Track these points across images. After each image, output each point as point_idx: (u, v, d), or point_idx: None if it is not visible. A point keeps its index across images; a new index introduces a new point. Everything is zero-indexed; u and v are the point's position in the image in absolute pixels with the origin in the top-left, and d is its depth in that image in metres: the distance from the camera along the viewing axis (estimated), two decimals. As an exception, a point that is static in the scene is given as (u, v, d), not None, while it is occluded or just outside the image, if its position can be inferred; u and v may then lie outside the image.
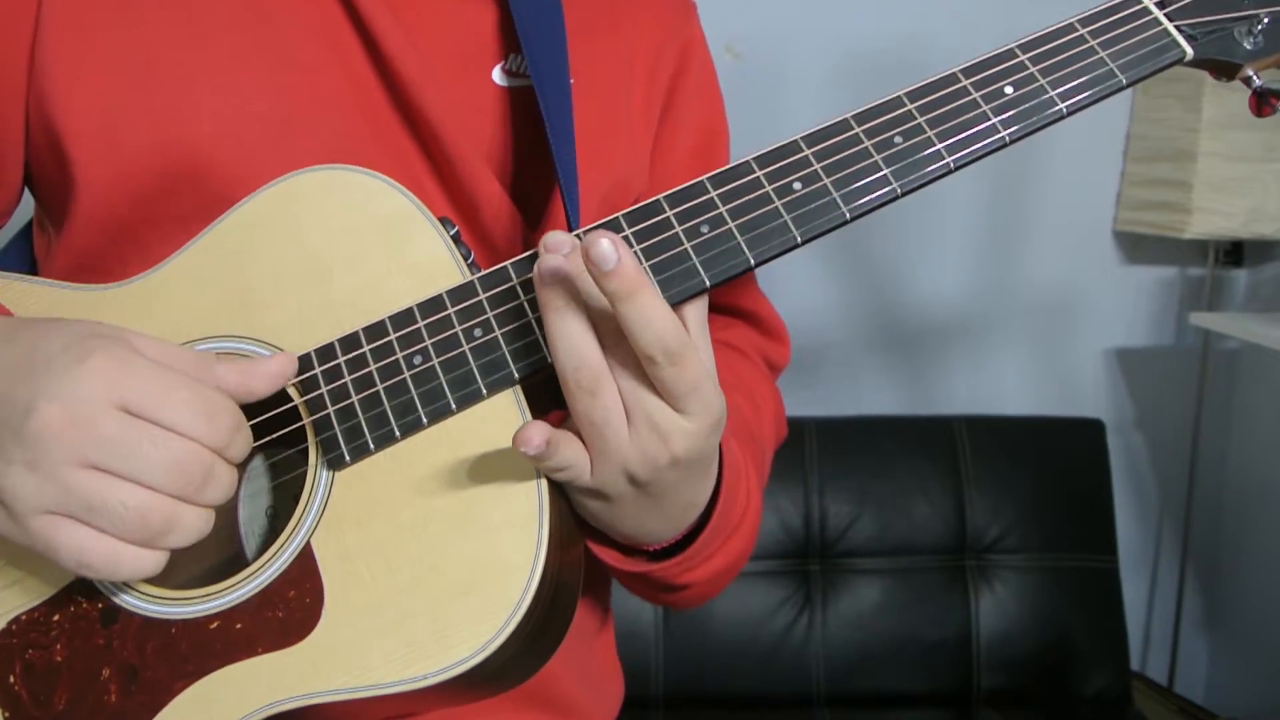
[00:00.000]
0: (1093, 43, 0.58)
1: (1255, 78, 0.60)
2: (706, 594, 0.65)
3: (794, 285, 1.86)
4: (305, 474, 0.56)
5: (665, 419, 0.52)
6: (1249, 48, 0.59)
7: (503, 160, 0.67)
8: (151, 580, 0.54)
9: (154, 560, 0.50)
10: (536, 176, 0.67)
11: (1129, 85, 0.58)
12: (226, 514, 0.59)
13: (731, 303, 0.80)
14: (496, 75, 0.67)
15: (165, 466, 0.48)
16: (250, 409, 0.54)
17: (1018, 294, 1.93)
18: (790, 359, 0.85)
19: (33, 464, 0.47)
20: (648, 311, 0.48)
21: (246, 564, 0.56)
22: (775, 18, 1.77)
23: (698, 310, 0.54)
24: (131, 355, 0.49)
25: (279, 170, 0.58)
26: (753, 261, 0.54)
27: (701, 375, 0.51)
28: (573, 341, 0.50)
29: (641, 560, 0.61)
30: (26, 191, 0.66)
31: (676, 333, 0.49)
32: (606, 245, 0.47)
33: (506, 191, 0.65)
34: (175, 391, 0.49)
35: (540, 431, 0.49)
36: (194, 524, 0.50)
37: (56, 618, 0.54)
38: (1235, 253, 1.93)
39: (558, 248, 0.49)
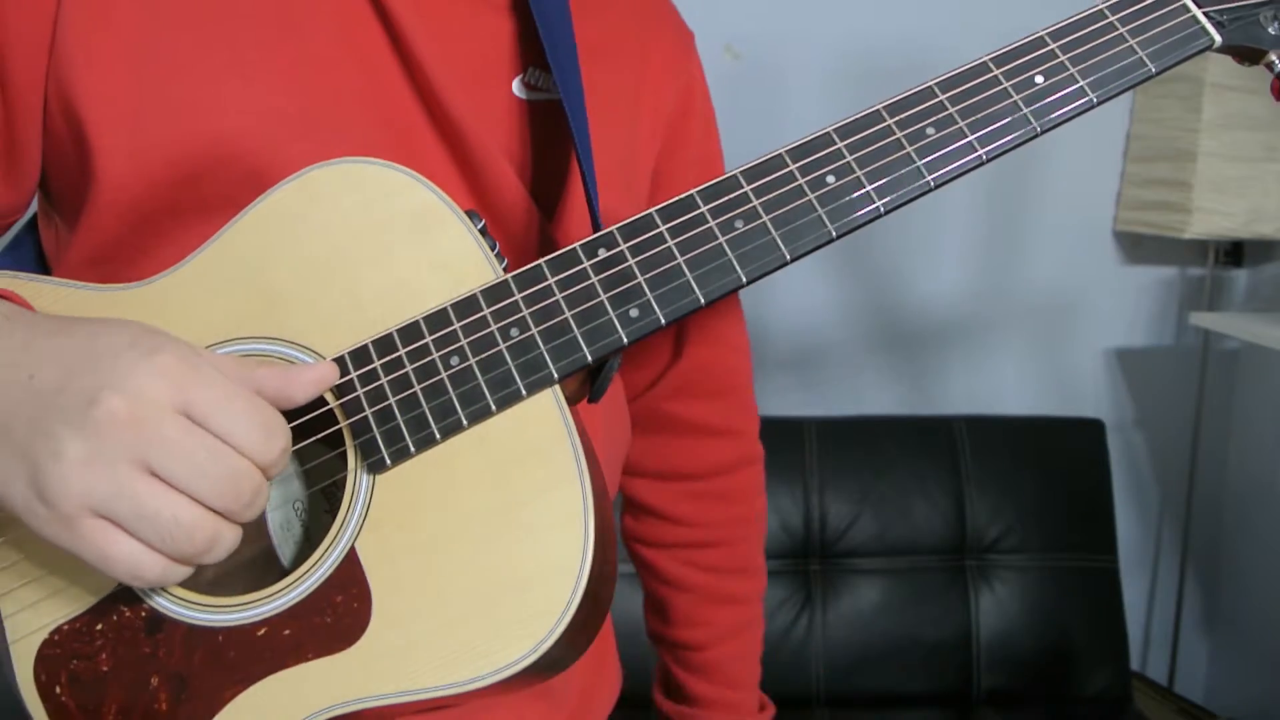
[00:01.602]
0: (1122, 30, 0.57)
1: (1278, 62, 0.60)
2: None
3: (794, 285, 1.86)
4: (344, 478, 0.55)
5: None
6: (1274, 33, 0.59)
7: (522, 170, 0.67)
8: (185, 584, 0.54)
9: (185, 574, 0.49)
10: (553, 188, 0.68)
11: (1158, 74, 0.57)
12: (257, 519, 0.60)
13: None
14: (516, 87, 0.67)
15: (220, 482, 0.47)
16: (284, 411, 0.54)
17: (1017, 294, 1.93)
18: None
19: (89, 457, 0.45)
20: None
21: (278, 564, 0.56)
22: (775, 18, 1.77)
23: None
24: (198, 359, 0.49)
25: (303, 162, 0.57)
26: (788, 257, 0.55)
27: None
28: None
29: None
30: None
31: None
32: None
33: (529, 198, 0.66)
34: (236, 402, 0.48)
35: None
36: (230, 542, 0.49)
37: (100, 627, 0.54)
38: (1235, 253, 1.93)
39: None
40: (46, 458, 0.46)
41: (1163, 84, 1.76)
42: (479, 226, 0.57)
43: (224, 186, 0.59)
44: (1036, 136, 0.57)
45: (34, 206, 0.69)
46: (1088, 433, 1.76)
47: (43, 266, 0.68)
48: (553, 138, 0.67)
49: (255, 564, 0.56)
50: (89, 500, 0.46)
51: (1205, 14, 0.58)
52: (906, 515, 1.69)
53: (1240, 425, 2.00)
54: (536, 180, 0.67)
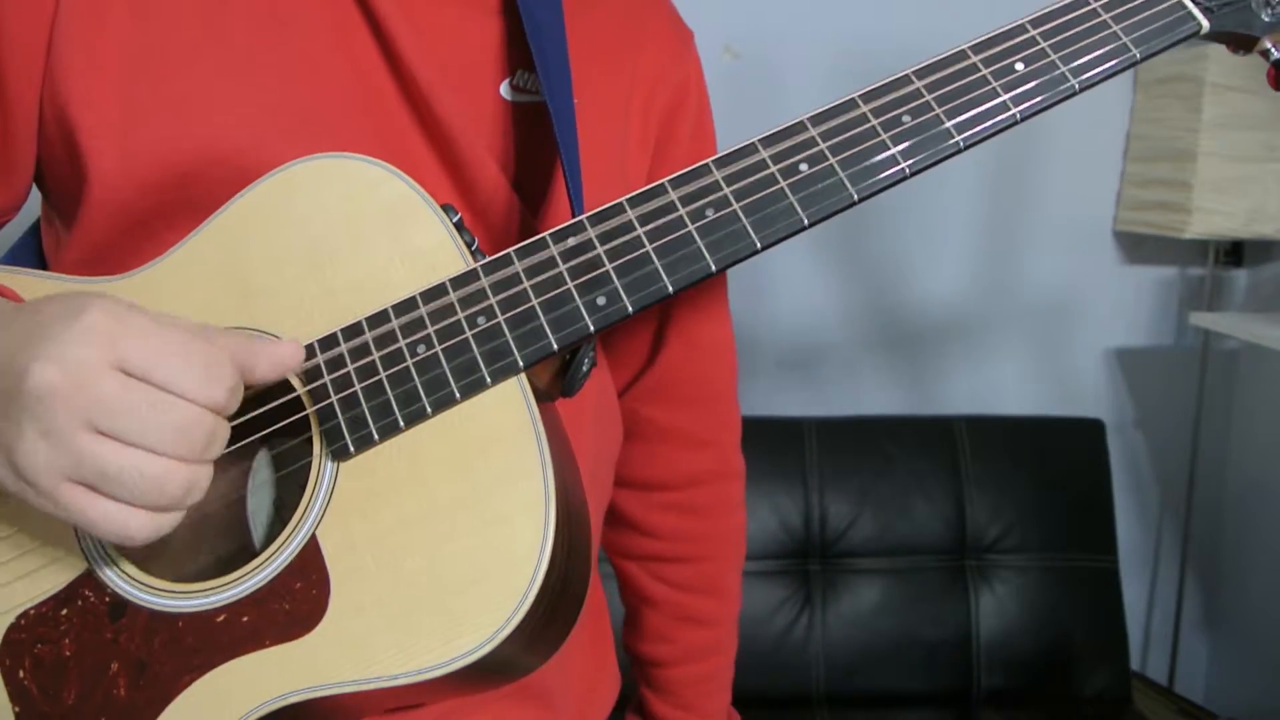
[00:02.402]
0: (1105, 16, 0.56)
1: (1274, 50, 0.58)
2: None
3: (794, 285, 1.86)
4: (310, 465, 0.55)
5: None
6: (1267, 19, 0.57)
7: (510, 172, 0.67)
8: (159, 572, 0.54)
9: (175, 519, 0.49)
10: (541, 189, 0.68)
11: (1143, 59, 0.56)
12: (235, 506, 0.59)
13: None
14: (504, 90, 0.67)
15: (169, 432, 0.47)
16: (255, 399, 0.54)
17: (1018, 294, 1.93)
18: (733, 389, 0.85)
19: (43, 431, 0.46)
20: None
21: (256, 555, 0.56)
22: (774, 18, 1.77)
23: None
24: (126, 313, 0.48)
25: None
26: (759, 245, 0.54)
27: None
28: None
29: None
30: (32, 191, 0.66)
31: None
32: None
33: (514, 196, 0.66)
34: (171, 348, 0.48)
35: None
36: (206, 480, 0.49)
37: (65, 612, 0.54)
38: (1235, 253, 1.93)
39: None
40: (13, 439, 0.47)
41: (1163, 84, 1.76)
42: (455, 219, 0.57)
43: (214, 187, 0.59)
44: (1016, 124, 0.56)
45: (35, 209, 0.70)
46: (1088, 433, 1.76)
47: (43, 267, 0.69)
48: (540, 140, 0.67)
49: (240, 557, 0.56)
50: (58, 470, 0.46)
51: None
52: (906, 515, 1.69)
53: (1240, 425, 2.00)
54: (525, 182, 0.67)
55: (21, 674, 0.54)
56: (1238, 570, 2.00)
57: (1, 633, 0.55)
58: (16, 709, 0.54)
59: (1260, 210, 1.70)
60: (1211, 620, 2.06)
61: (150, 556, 0.56)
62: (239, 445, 0.54)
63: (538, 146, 0.67)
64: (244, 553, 0.58)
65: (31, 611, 0.54)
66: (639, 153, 0.73)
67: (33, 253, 0.70)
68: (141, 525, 0.48)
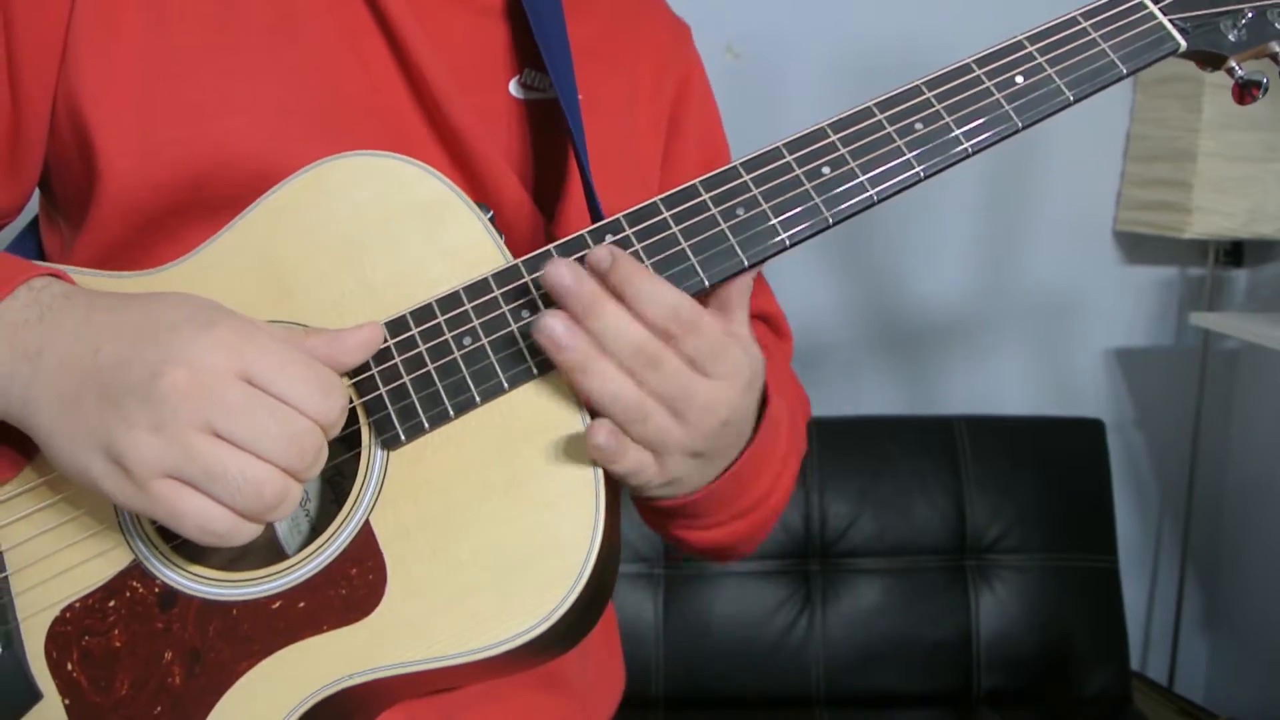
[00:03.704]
0: (1094, 35, 0.61)
1: (1238, 68, 0.63)
2: (706, 554, 0.69)
3: (794, 285, 1.86)
4: (348, 465, 0.57)
5: (706, 395, 0.55)
6: (1233, 40, 0.63)
7: (520, 170, 0.68)
8: (199, 561, 0.55)
9: (257, 532, 0.51)
10: (552, 186, 0.69)
11: (1129, 75, 0.61)
12: None
13: (754, 309, 0.81)
14: (514, 88, 0.69)
15: (283, 441, 0.49)
16: None
17: (1018, 294, 1.93)
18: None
19: (157, 426, 0.48)
20: (652, 292, 0.53)
21: (278, 546, 0.57)
22: (775, 18, 1.77)
23: (739, 285, 0.57)
24: (253, 329, 0.51)
25: (305, 163, 0.59)
26: (787, 243, 0.57)
27: (721, 338, 0.54)
28: (607, 389, 0.53)
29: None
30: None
31: (685, 303, 0.53)
32: (601, 252, 0.53)
33: (527, 196, 0.67)
34: (294, 366, 0.50)
35: (607, 428, 0.53)
36: (297, 499, 0.51)
37: (112, 603, 0.55)
38: (1235, 253, 1.93)
39: (560, 278, 0.53)
40: (119, 427, 0.48)
41: (1163, 84, 1.76)
42: (488, 217, 0.59)
43: (228, 187, 0.60)
44: (1018, 132, 0.61)
45: (32, 209, 0.69)
46: (1088, 433, 1.76)
47: None
48: (551, 136, 0.68)
49: (261, 557, 0.57)
50: (161, 465, 0.48)
51: (1171, 20, 0.62)
52: (906, 515, 1.69)
53: (1240, 425, 2.00)
54: (536, 178, 0.69)
55: (70, 666, 0.54)
56: (1238, 570, 2.00)
57: (47, 626, 0.55)
58: (67, 701, 0.54)
59: (1260, 210, 1.70)
60: (1211, 620, 2.06)
61: (196, 552, 0.56)
62: None
63: (549, 143, 0.69)
64: (268, 549, 0.59)
65: (77, 604, 0.55)
66: (651, 147, 0.75)
67: (31, 253, 0.70)
68: (228, 526, 0.49)
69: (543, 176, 0.69)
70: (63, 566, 0.55)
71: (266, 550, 0.59)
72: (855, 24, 1.77)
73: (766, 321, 0.84)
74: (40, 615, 0.55)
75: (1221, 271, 1.94)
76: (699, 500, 0.61)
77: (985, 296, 1.92)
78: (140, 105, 0.60)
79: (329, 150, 0.59)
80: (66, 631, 0.55)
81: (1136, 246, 1.94)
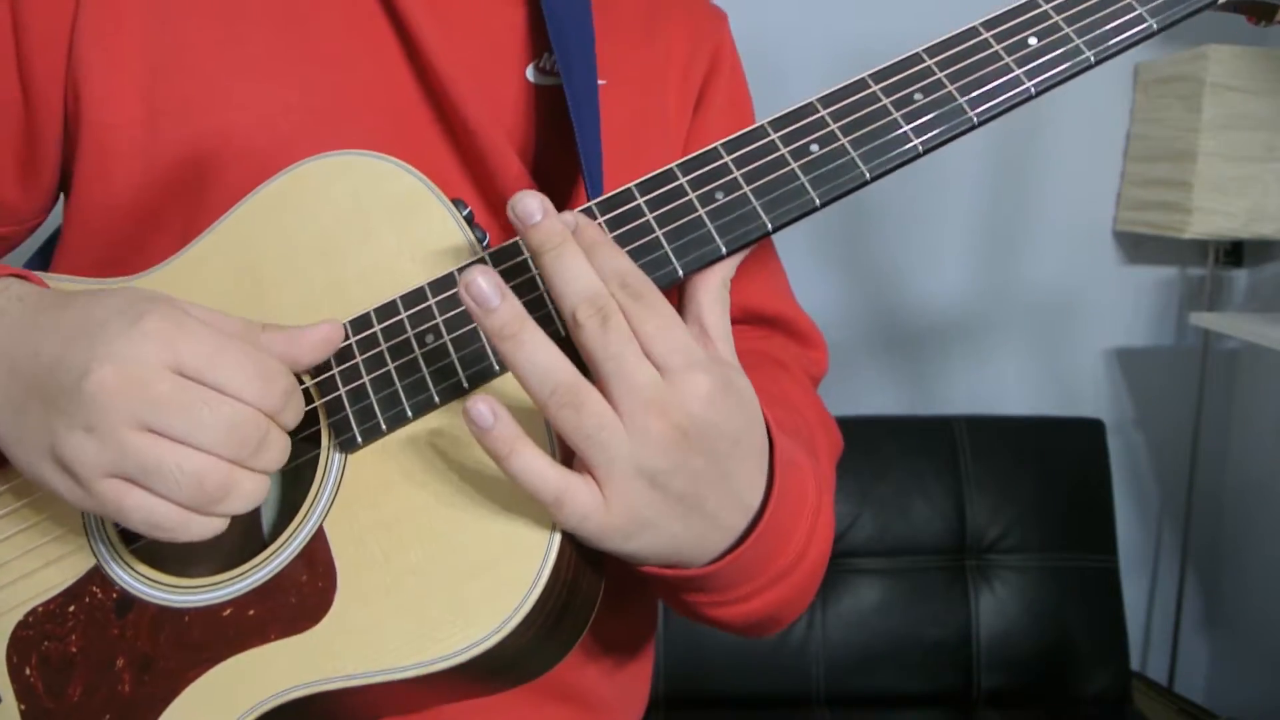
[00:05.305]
0: None
1: None
2: (749, 630, 0.59)
3: (794, 285, 1.85)
4: (317, 457, 0.55)
5: (653, 390, 0.47)
6: None
7: (531, 156, 0.67)
8: (170, 569, 0.54)
9: (215, 525, 0.50)
10: (564, 172, 0.68)
11: (1160, 30, 0.54)
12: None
13: (767, 310, 0.78)
14: (530, 73, 0.67)
15: (219, 430, 0.48)
16: None
17: (1018, 294, 1.93)
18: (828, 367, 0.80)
19: (90, 427, 0.47)
20: (612, 258, 0.48)
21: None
22: (774, 18, 1.77)
23: (718, 274, 0.53)
24: (184, 317, 0.49)
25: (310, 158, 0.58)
26: (770, 227, 0.53)
27: (676, 323, 0.48)
28: (538, 362, 0.47)
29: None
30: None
31: (633, 271, 0.48)
32: (566, 216, 0.49)
33: (534, 186, 0.65)
34: (227, 354, 0.49)
35: (487, 399, 0.47)
36: (251, 490, 0.50)
37: (72, 609, 0.54)
38: (1235, 253, 1.93)
39: (529, 209, 0.48)
40: (60, 431, 0.48)
41: (1163, 84, 1.76)
42: (466, 213, 0.57)
43: (233, 182, 0.60)
44: (1031, 99, 0.55)
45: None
46: (1088, 433, 1.76)
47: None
48: (566, 122, 0.67)
49: (252, 553, 0.56)
50: (100, 465, 0.47)
51: None
52: (906, 515, 1.69)
53: (1240, 425, 2.00)
54: (551, 166, 0.67)
55: (28, 671, 0.54)
56: (1238, 570, 2.00)
57: (9, 632, 0.55)
58: (23, 707, 0.54)
59: (1260, 210, 1.69)
60: (1211, 620, 2.06)
61: (165, 557, 0.56)
62: None
63: (562, 128, 0.67)
64: (257, 549, 0.58)
65: (40, 608, 0.55)
66: (679, 124, 0.73)
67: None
68: (175, 520, 0.48)
69: (556, 165, 0.67)
70: (27, 570, 0.55)
71: (255, 546, 0.59)
72: (855, 24, 1.77)
73: (783, 326, 0.79)
74: (4, 618, 0.55)
75: (1221, 271, 1.94)
76: (720, 571, 0.53)
77: (985, 296, 1.92)
78: (145, 102, 0.59)
79: (334, 146, 0.59)
80: (28, 635, 0.54)
81: (1136, 246, 1.93)
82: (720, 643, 1.64)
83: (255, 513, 0.59)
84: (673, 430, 0.47)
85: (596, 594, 0.56)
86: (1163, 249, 1.93)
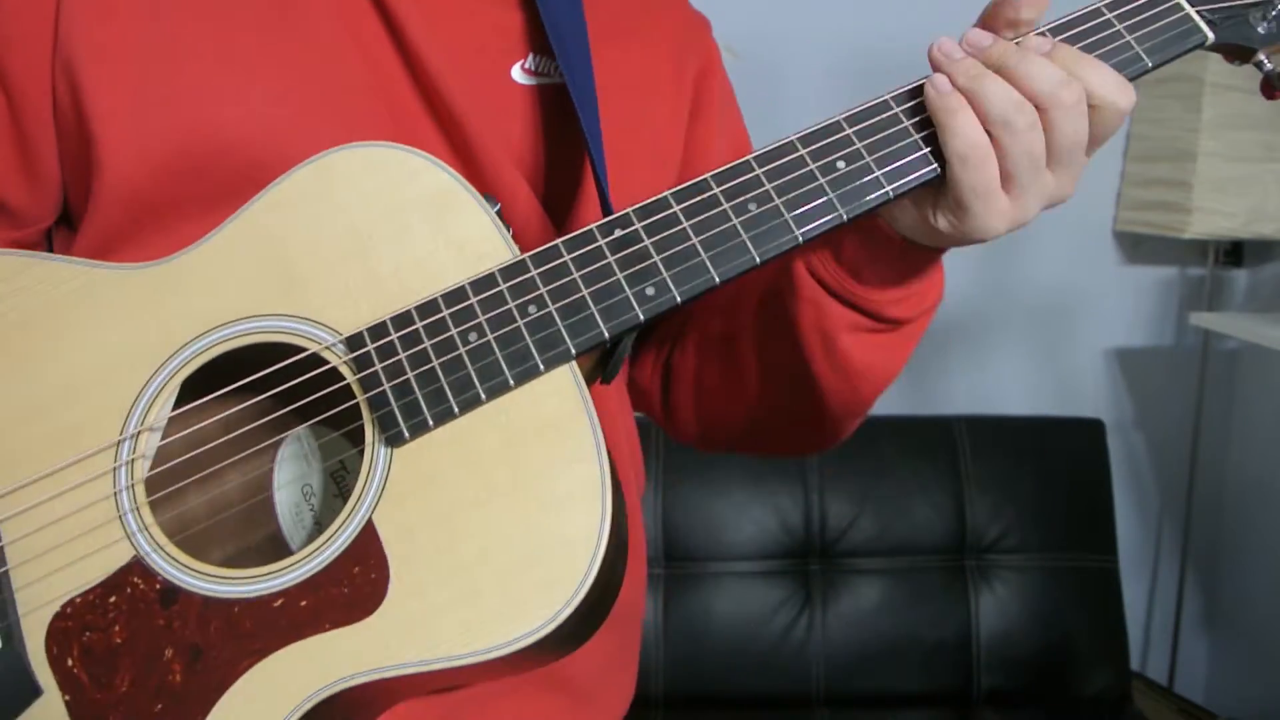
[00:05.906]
0: (1119, 26, 0.59)
1: (1266, 61, 0.62)
2: (888, 359, 0.72)
3: (794, 285, 1.85)
4: (353, 459, 0.56)
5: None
6: (1262, 33, 0.61)
7: (524, 157, 0.67)
8: (200, 558, 0.55)
9: None
10: (559, 172, 0.68)
11: (1154, 68, 0.59)
12: (262, 495, 0.60)
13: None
14: (516, 73, 0.68)
15: None
16: (299, 389, 0.55)
17: (1018, 294, 1.93)
18: None
19: None
20: (1031, 65, 0.55)
21: (285, 544, 0.56)
22: (774, 18, 1.77)
23: None
24: None
25: (302, 153, 0.58)
26: (800, 239, 0.56)
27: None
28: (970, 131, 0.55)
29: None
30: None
31: (1072, 84, 0.55)
32: (979, 32, 0.58)
33: (525, 178, 0.66)
34: None
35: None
36: None
37: (113, 599, 0.54)
38: (1235, 253, 1.93)
39: (951, 52, 0.58)
40: None
41: (1163, 84, 1.76)
42: (495, 209, 0.58)
43: (226, 176, 0.60)
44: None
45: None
46: (1088, 433, 1.76)
47: None
48: (562, 123, 0.67)
49: (264, 551, 0.57)
50: None
51: (1198, 12, 0.60)
52: (906, 515, 1.69)
53: (1240, 425, 2.00)
54: (546, 166, 0.68)
55: (70, 662, 0.54)
56: (1238, 570, 2.00)
57: (46, 623, 0.55)
58: (67, 698, 0.54)
59: (1260, 210, 1.70)
60: (1211, 620, 2.06)
61: (184, 545, 0.56)
62: (281, 436, 0.56)
63: (559, 129, 0.68)
64: (272, 543, 0.59)
65: (78, 599, 0.55)
66: (671, 131, 0.74)
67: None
68: None
69: (553, 164, 0.68)
70: (63, 561, 0.55)
71: (270, 547, 0.59)
72: (854, 24, 1.77)
73: None
74: (41, 610, 0.55)
75: (1221, 271, 1.94)
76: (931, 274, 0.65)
77: (985, 296, 1.92)
78: (136, 94, 0.59)
79: (326, 138, 0.59)
80: (67, 627, 0.54)
81: (1136, 246, 1.94)
82: (720, 642, 1.64)
83: (272, 507, 0.60)
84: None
85: (619, 585, 0.58)
86: (1163, 249, 1.93)
